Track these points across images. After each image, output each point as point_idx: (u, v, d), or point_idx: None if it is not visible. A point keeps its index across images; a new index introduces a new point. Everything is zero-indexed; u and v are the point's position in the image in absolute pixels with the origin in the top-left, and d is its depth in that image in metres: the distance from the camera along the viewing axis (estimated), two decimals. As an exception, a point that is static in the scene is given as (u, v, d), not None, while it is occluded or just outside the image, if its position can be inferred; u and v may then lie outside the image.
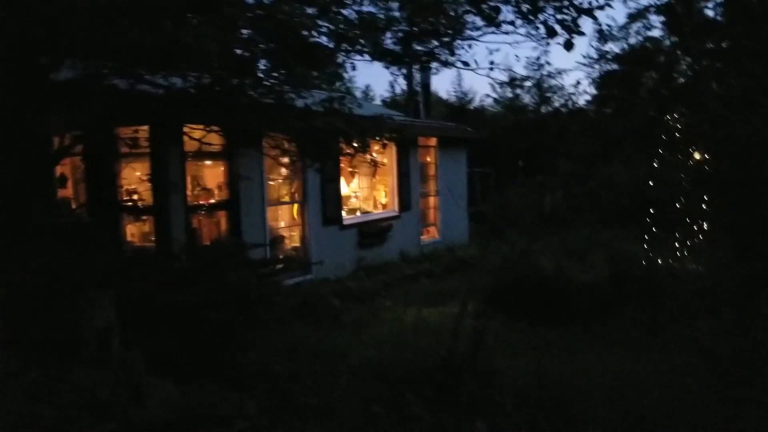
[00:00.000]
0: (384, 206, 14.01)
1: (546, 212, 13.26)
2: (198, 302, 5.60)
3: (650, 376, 5.76)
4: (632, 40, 14.46)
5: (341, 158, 10.91)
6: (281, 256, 9.98)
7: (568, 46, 5.46)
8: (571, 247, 11.52)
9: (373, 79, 73.18)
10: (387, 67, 23.35)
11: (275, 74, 7.00)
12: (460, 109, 28.78)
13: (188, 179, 9.28)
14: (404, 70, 16.31)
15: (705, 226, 8.48)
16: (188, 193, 9.25)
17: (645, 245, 9.16)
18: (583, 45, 43.37)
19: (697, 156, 8.19)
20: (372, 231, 12.85)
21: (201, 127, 8.14)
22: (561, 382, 5.72)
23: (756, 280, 4.23)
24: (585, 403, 5.15)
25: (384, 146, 11.83)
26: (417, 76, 18.22)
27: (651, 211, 8.74)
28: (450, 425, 4.53)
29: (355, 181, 13.66)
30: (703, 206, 7.53)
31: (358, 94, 31.13)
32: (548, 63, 48.32)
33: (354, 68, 8.69)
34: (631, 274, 8.60)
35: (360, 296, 10.15)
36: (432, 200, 15.47)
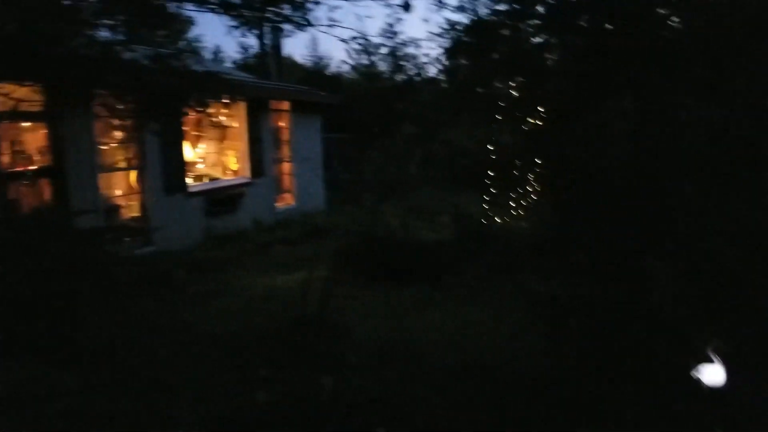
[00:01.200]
0: (235, 173, 13.48)
1: (404, 176, 13.61)
2: (13, 274, 4.97)
3: (489, 323, 6.18)
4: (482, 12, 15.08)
5: (184, 121, 10.24)
6: (116, 226, 9.22)
7: (406, 7, 5.50)
8: (421, 210, 11.94)
9: (225, 40, 69.79)
10: (237, 27, 22.24)
11: (101, 22, 6.31)
12: (315, 73, 28.40)
13: (1, 143, 8.17)
14: (256, 31, 15.64)
15: (536, 186, 9.20)
16: (2, 159, 8.15)
17: (485, 205, 9.71)
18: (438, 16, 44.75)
19: (531, 122, 8.74)
20: (222, 198, 12.32)
21: (12, 82, 7.15)
22: (410, 337, 5.95)
23: (566, 232, 4.65)
24: (432, 354, 5.39)
25: (230, 107, 11.30)
26: (271, 39, 17.59)
27: (490, 173, 9.26)
28: (297, 384, 4.48)
29: (202, 146, 12.97)
30: (535, 169, 8.11)
31: (207, 55, 29.48)
32: (401, 33, 49.19)
33: (193, 23, 8.11)
34: (473, 232, 9.10)
35: (209, 267, 9.72)
36: (287, 166, 15.18)
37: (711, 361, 3.29)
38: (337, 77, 29.07)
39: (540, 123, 8.21)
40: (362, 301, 7.36)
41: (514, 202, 9.34)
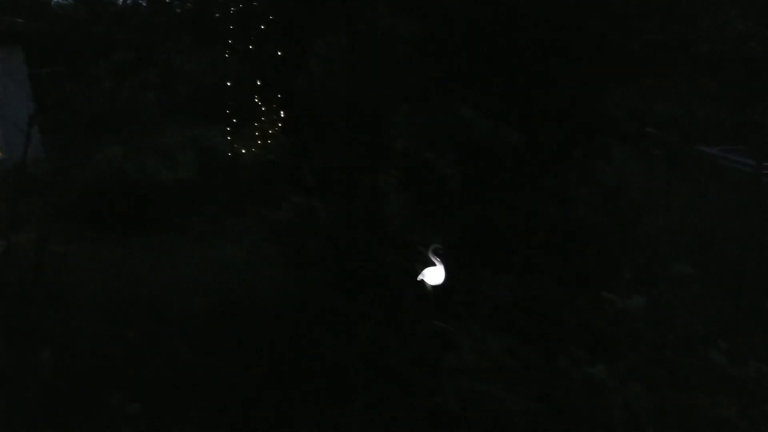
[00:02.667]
0: None
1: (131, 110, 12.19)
2: None
3: (238, 262, 6.00)
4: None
5: None
6: None
7: None
8: (160, 148, 10.97)
9: None
10: None
11: None
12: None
13: None
14: None
15: (282, 114, 9.05)
16: None
17: (228, 138, 9.31)
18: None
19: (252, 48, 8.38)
20: None
21: None
22: (152, 289, 5.50)
23: (297, 154, 4.64)
24: (174, 295, 5.06)
25: None
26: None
27: (228, 102, 8.83)
28: (11, 361, 3.81)
29: None
30: (269, 96, 7.92)
31: None
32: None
33: None
34: (218, 166, 8.68)
35: None
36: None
37: (433, 264, 3.57)
38: (41, 2, 24.69)
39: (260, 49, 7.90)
40: (94, 256, 6.57)
41: (258, 132, 9.10)
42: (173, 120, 12.72)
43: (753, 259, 4.62)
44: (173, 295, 5.27)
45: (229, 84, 9.02)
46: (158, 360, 4.09)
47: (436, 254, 3.56)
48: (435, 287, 3.64)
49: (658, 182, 5.63)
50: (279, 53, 6.49)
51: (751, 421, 2.55)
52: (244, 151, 9.12)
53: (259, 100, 8.05)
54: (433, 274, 3.59)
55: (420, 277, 3.60)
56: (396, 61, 4.10)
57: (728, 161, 9.71)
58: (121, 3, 18.28)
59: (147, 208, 7.87)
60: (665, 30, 4.10)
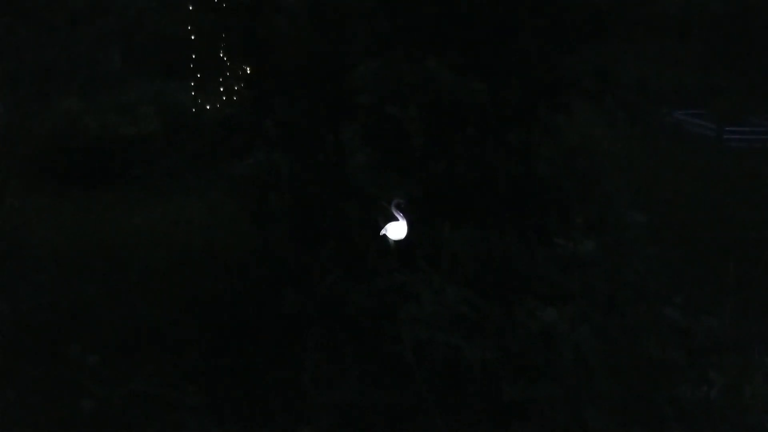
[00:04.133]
0: None
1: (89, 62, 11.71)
2: None
3: (200, 216, 5.93)
4: None
5: None
6: None
7: None
8: (121, 102, 10.62)
9: None
10: None
11: None
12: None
13: None
14: None
15: (246, 69, 8.80)
16: None
17: (192, 93, 9.04)
18: None
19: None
20: None
21: None
22: (108, 238, 5.41)
23: (259, 107, 4.56)
24: (131, 251, 4.99)
25: None
26: None
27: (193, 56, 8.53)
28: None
29: None
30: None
31: None
32: None
33: None
34: (181, 121, 8.48)
35: None
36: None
37: (396, 218, 3.57)
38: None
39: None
40: (52, 210, 6.42)
41: (221, 86, 8.86)
42: (134, 73, 12.31)
43: (706, 217, 4.75)
44: (133, 249, 5.20)
45: (192, 37, 8.70)
46: (117, 313, 4.05)
47: (399, 209, 3.56)
48: (397, 241, 3.65)
49: (620, 142, 5.70)
50: (244, 4, 6.27)
51: (697, 369, 2.66)
52: (208, 107, 8.88)
53: (223, 54, 7.79)
54: (396, 229, 3.59)
55: (383, 232, 3.60)
56: (360, 12, 4.01)
57: (691, 125, 9.89)
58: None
59: (107, 162, 7.68)
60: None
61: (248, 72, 6.47)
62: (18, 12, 13.54)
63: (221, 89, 8.67)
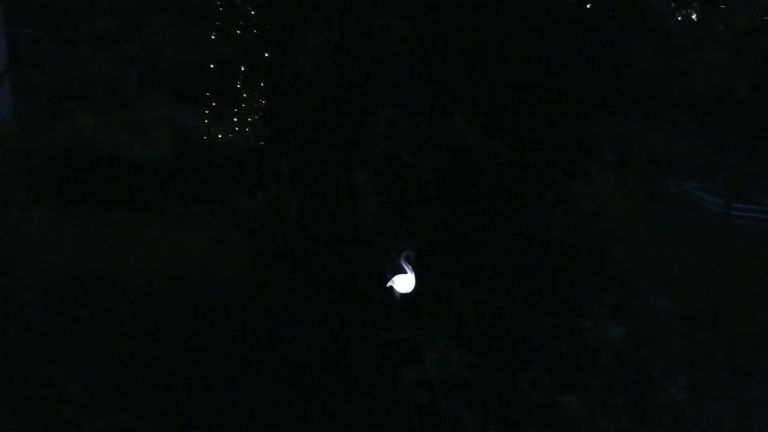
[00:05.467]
0: None
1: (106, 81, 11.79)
2: None
3: (202, 246, 5.84)
4: None
5: None
6: None
7: None
8: (135, 123, 10.68)
9: None
10: None
11: None
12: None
13: None
14: None
15: (263, 102, 8.89)
16: None
17: (206, 121, 9.11)
18: None
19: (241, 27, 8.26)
20: None
21: None
22: (110, 265, 5.31)
23: (276, 142, 4.54)
24: (129, 276, 4.88)
25: None
26: None
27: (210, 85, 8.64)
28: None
29: None
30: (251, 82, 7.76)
31: None
32: None
33: None
34: (192, 148, 8.49)
35: None
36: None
37: (404, 271, 3.48)
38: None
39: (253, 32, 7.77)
40: (54, 228, 6.33)
41: (236, 117, 8.92)
42: (151, 96, 12.42)
43: (729, 299, 4.66)
44: (130, 274, 5.09)
45: (212, 66, 8.81)
46: (106, 340, 3.93)
47: (409, 261, 3.48)
48: (403, 295, 3.55)
49: (634, 212, 5.66)
50: (267, 40, 6.36)
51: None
52: (220, 135, 8.92)
53: (242, 86, 7.88)
54: (404, 282, 3.50)
55: (390, 283, 3.51)
56: (386, 60, 4.03)
57: (696, 198, 9.88)
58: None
59: (115, 182, 7.64)
60: (656, 61, 4.11)
61: (266, 107, 6.50)
62: (44, 25, 13.70)
63: (235, 120, 8.75)
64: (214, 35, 8.97)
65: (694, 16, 4.66)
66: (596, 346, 2.51)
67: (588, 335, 2.56)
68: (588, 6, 3.98)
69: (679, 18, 4.67)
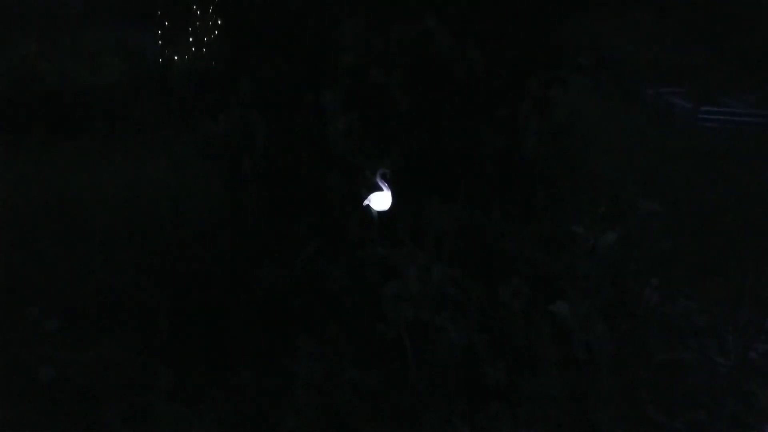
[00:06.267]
0: None
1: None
2: None
3: (168, 177, 5.64)
4: None
5: None
6: None
7: None
8: (83, 49, 10.03)
9: None
10: None
11: None
12: None
13: None
14: None
15: (219, 21, 8.38)
16: None
17: (159, 42, 8.61)
18: None
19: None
20: None
21: None
22: (67, 195, 5.10)
23: (235, 61, 4.27)
24: (92, 210, 4.71)
25: None
26: None
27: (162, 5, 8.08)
28: None
29: None
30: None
31: None
32: None
33: None
34: (147, 72, 8.05)
35: None
36: None
37: (380, 189, 3.40)
38: None
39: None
40: (7, 163, 6.04)
41: (192, 38, 8.45)
42: (97, 20, 11.63)
43: (702, 200, 4.73)
44: (93, 208, 4.90)
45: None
46: (77, 276, 3.81)
47: (384, 179, 3.39)
48: (380, 213, 3.49)
49: (608, 119, 5.62)
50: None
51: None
52: (177, 58, 8.46)
53: (195, 4, 7.39)
54: (380, 200, 3.42)
55: (365, 203, 3.43)
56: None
57: (665, 103, 9.90)
58: None
59: (66, 112, 7.24)
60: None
61: (222, 25, 6.11)
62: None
63: (191, 41, 8.27)
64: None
65: None
66: (588, 253, 2.51)
67: (580, 242, 2.55)
68: None
69: None
